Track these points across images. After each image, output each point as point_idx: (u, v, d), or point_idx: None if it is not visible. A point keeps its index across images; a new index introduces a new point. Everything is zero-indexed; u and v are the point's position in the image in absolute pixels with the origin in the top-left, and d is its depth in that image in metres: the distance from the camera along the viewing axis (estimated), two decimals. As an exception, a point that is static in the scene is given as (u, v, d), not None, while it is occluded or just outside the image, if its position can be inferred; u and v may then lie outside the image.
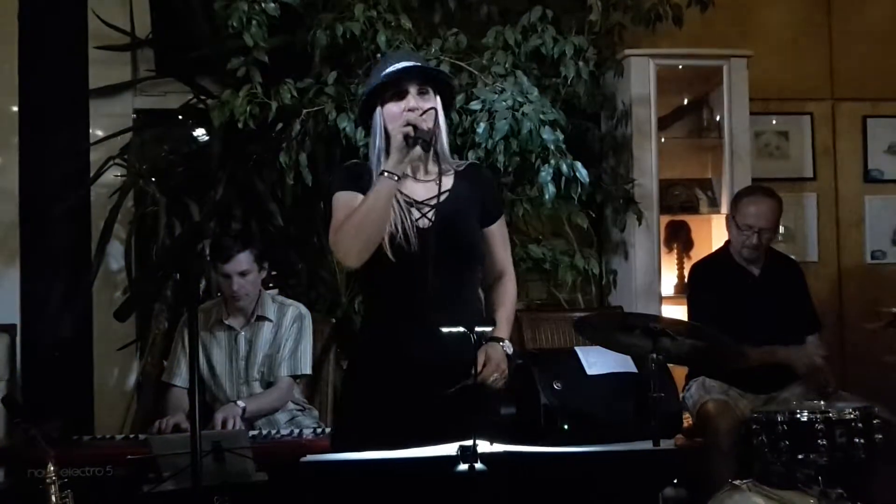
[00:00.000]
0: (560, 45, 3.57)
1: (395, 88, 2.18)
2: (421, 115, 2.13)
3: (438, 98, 2.21)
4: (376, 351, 2.22)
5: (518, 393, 3.24)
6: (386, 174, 2.09)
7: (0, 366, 3.77)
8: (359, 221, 2.09)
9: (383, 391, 2.17)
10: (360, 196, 2.15)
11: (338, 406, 2.36)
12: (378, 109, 2.21)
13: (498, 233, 2.32)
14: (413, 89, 2.18)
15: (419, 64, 2.22)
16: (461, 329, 1.91)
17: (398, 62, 2.20)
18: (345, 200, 2.18)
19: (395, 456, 1.66)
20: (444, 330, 1.99)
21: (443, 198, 2.18)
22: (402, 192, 2.17)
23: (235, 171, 3.76)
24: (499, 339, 2.24)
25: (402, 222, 2.13)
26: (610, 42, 3.97)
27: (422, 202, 2.19)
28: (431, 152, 2.17)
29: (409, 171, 2.19)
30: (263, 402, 3.14)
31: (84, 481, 2.58)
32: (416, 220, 2.16)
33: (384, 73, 2.19)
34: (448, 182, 2.21)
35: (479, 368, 2.13)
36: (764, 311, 3.41)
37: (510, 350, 2.25)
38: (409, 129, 2.08)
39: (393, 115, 2.17)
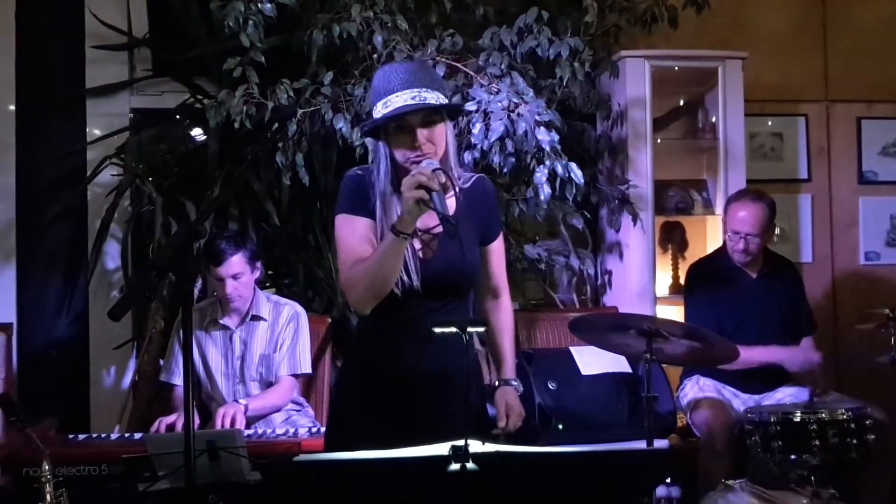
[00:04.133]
0: (556, 47, 3.57)
1: (398, 121, 2.08)
2: (433, 170, 2.00)
3: (447, 117, 2.13)
4: (370, 361, 2.22)
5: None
6: (399, 235, 2.00)
7: (-4, 365, 3.78)
8: (370, 276, 2.05)
9: (377, 399, 2.18)
10: (366, 222, 2.10)
11: (331, 411, 2.35)
12: (381, 144, 2.13)
13: (497, 250, 2.29)
14: (417, 121, 2.07)
15: (418, 101, 2.06)
16: (453, 329, 1.92)
17: (398, 89, 2.07)
18: (350, 228, 2.13)
19: (387, 456, 1.67)
20: (437, 330, 2.00)
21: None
22: None
23: (232, 170, 3.77)
24: (510, 381, 2.28)
25: (405, 255, 2.07)
26: (606, 43, 3.97)
27: (425, 231, 2.14)
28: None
29: None
30: (266, 401, 3.16)
31: (79, 480, 2.59)
32: (418, 249, 2.13)
33: (385, 109, 2.08)
34: (451, 206, 2.13)
35: (503, 418, 2.20)
36: (761, 312, 3.42)
37: (520, 388, 2.28)
38: (422, 192, 1.96)
39: (400, 143, 2.08)
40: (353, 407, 2.22)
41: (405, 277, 2.08)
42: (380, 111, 2.09)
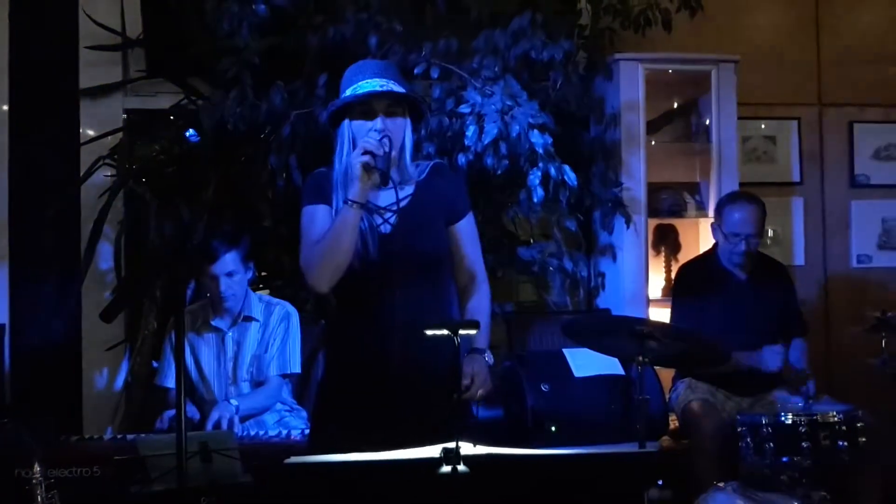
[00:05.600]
0: (549, 50, 3.59)
1: (362, 105, 2.19)
2: (380, 139, 2.13)
3: (408, 113, 2.22)
4: (349, 353, 2.25)
5: (506, 395, 3.27)
6: (350, 203, 2.11)
7: (-11, 366, 3.77)
8: (326, 249, 2.13)
9: (357, 394, 2.20)
10: (326, 208, 2.20)
11: (315, 407, 2.38)
12: (346, 124, 2.22)
13: (465, 230, 2.31)
14: (382, 108, 2.18)
15: (385, 89, 2.18)
16: (445, 331, 1.92)
17: (368, 77, 2.19)
18: (311, 217, 2.22)
19: (378, 458, 1.67)
20: (428, 332, 2.00)
21: (404, 203, 2.21)
22: None
23: (226, 172, 3.76)
24: (481, 351, 2.27)
25: (363, 229, 2.15)
26: (599, 46, 3.98)
27: (384, 208, 2.21)
28: (394, 163, 2.17)
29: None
30: (255, 401, 3.16)
31: (71, 482, 2.58)
32: (378, 225, 2.19)
33: (353, 93, 2.18)
34: (410, 188, 2.24)
35: (468, 382, 2.17)
36: (751, 314, 3.43)
37: (491, 360, 2.28)
38: (368, 157, 2.10)
39: (362, 130, 2.18)
40: (331, 407, 2.24)
41: (362, 249, 2.14)
42: (347, 95, 2.19)
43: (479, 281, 2.33)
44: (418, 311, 2.13)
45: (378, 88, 2.17)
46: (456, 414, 2.13)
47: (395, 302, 2.16)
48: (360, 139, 2.17)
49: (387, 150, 2.12)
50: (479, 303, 2.32)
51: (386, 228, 2.19)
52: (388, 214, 2.20)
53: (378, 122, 2.16)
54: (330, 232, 2.14)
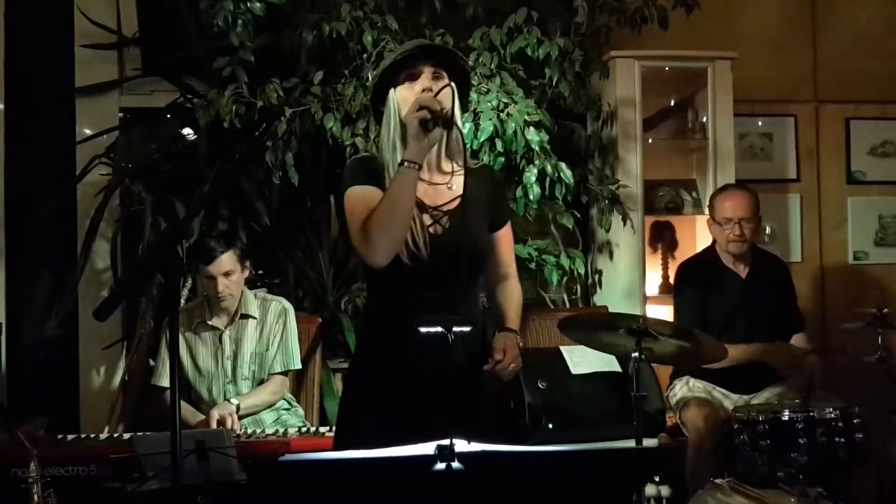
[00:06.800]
0: (545, 47, 3.59)
1: (408, 70, 2.11)
2: (434, 95, 2.05)
3: (454, 84, 2.14)
4: (382, 350, 2.19)
5: (503, 391, 3.26)
6: (407, 164, 2.00)
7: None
8: (384, 216, 2.02)
9: (390, 391, 2.14)
10: (377, 191, 2.09)
11: (342, 406, 2.33)
12: (391, 94, 2.14)
13: (505, 237, 2.29)
14: (427, 70, 2.11)
15: (432, 42, 2.16)
16: (439, 329, 1.92)
17: (410, 46, 2.13)
18: (361, 196, 2.10)
19: (373, 455, 1.67)
20: (422, 330, 1.99)
21: (455, 204, 2.14)
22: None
23: (222, 170, 3.76)
24: (513, 331, 2.24)
25: (413, 227, 2.07)
26: (595, 44, 3.98)
27: (435, 208, 2.14)
28: (444, 147, 2.12)
29: (422, 174, 2.09)
30: (257, 399, 3.17)
31: (68, 480, 2.58)
32: (428, 226, 2.11)
33: (396, 54, 2.13)
34: (460, 186, 2.14)
35: (500, 356, 2.12)
36: (750, 310, 3.44)
37: (521, 343, 2.24)
38: (425, 112, 1.99)
39: (406, 99, 2.10)
40: (362, 402, 2.20)
41: (413, 247, 2.07)
42: (391, 60, 2.14)
43: (512, 277, 2.33)
44: (455, 309, 2.09)
45: (422, 42, 2.14)
46: (484, 409, 2.12)
47: (435, 300, 2.10)
48: (404, 108, 2.09)
49: (445, 106, 2.04)
50: (513, 289, 2.31)
51: (437, 229, 2.12)
52: (439, 215, 2.14)
53: (424, 81, 2.09)
54: (386, 197, 2.02)
